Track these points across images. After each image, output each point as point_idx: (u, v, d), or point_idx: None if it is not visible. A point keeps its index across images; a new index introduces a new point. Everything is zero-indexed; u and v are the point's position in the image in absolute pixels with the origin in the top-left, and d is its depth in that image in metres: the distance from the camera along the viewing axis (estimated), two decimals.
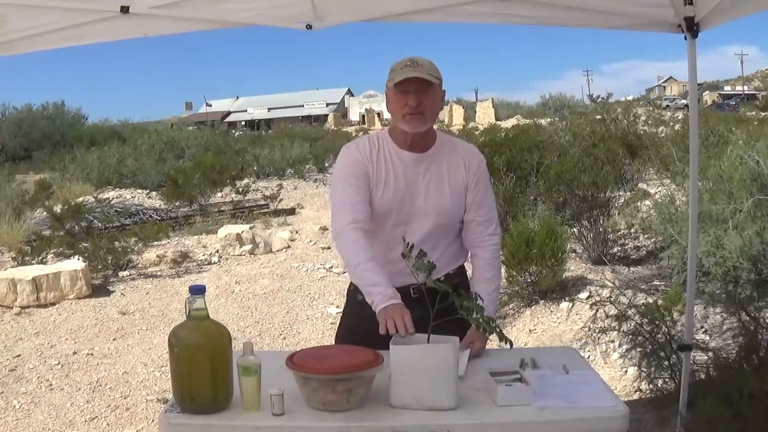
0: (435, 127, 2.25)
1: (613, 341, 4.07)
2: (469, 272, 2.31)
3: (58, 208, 9.47)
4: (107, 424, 3.85)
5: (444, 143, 2.22)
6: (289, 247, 8.70)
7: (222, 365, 1.66)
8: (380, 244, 2.14)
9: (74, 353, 5.04)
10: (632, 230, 6.34)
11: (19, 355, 4.99)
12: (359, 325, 2.14)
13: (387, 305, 1.89)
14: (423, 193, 2.15)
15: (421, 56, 2.11)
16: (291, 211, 11.82)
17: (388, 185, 2.13)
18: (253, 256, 8.25)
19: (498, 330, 1.68)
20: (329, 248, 8.07)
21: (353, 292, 2.26)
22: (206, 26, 2.69)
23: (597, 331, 3.57)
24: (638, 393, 3.34)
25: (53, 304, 6.24)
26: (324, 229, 9.25)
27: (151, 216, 11.20)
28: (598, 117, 14.59)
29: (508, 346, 1.74)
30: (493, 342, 2.03)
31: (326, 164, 18.26)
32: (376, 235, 2.15)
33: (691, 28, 2.56)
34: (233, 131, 43.26)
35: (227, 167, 14.30)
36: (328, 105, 68.60)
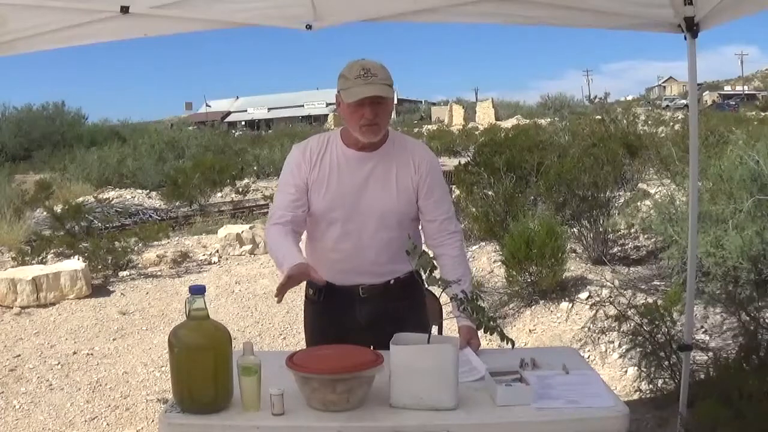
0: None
1: (612, 341, 4.06)
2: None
3: (58, 208, 9.49)
4: (107, 424, 3.85)
5: (395, 142, 2.18)
6: None
7: (222, 365, 1.66)
8: (326, 243, 2.15)
9: (74, 353, 5.04)
10: (632, 230, 6.33)
11: (19, 355, 4.99)
12: (312, 325, 2.28)
13: (296, 264, 1.94)
14: (368, 192, 2.11)
15: (369, 59, 2.05)
16: None
17: (331, 184, 2.11)
18: (253, 256, 8.24)
19: (499, 329, 1.69)
20: None
21: (306, 289, 2.28)
22: (206, 26, 2.69)
23: (597, 331, 3.56)
24: (638, 393, 3.34)
25: (53, 304, 6.24)
26: None
27: (151, 216, 11.23)
28: (598, 117, 14.59)
29: (510, 345, 1.74)
30: (493, 342, 2.04)
31: None
32: (324, 233, 2.15)
33: (691, 28, 2.56)
34: (233, 131, 43.30)
35: (227, 167, 14.32)
36: (328, 105, 68.36)
